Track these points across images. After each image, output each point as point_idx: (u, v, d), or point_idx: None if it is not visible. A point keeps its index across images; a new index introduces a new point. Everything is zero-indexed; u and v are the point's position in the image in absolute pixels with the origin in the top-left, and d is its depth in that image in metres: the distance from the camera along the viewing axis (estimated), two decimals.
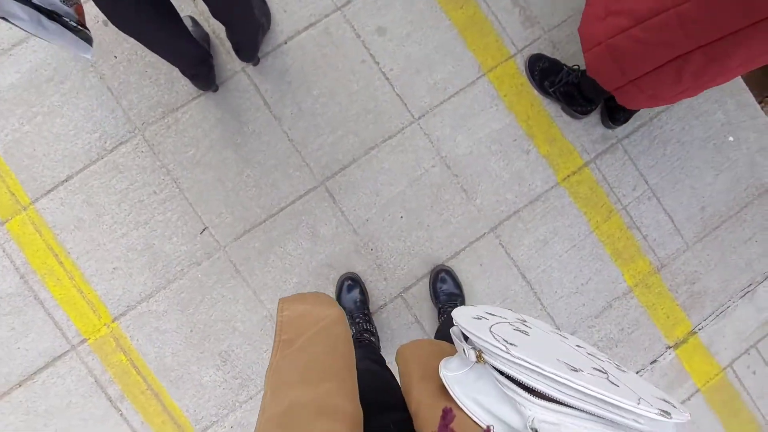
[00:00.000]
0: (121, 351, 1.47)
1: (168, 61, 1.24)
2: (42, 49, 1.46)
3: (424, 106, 1.58)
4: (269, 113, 1.53)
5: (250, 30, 1.26)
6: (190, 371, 1.49)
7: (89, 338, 1.46)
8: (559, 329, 0.67)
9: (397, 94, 1.58)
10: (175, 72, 1.47)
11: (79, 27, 1.02)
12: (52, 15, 0.94)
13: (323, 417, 0.55)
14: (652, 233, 1.65)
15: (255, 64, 1.50)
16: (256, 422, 0.58)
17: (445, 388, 0.55)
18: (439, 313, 1.54)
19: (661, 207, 1.65)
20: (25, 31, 0.90)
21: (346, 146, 1.56)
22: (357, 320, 1.46)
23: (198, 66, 1.33)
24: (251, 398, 1.51)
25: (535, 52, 1.60)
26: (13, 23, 0.87)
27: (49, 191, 1.45)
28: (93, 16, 1.46)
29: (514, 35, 1.62)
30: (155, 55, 1.41)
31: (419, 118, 1.58)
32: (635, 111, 1.56)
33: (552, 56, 1.58)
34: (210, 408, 1.50)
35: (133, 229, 1.48)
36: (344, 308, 1.49)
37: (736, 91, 1.68)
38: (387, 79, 1.57)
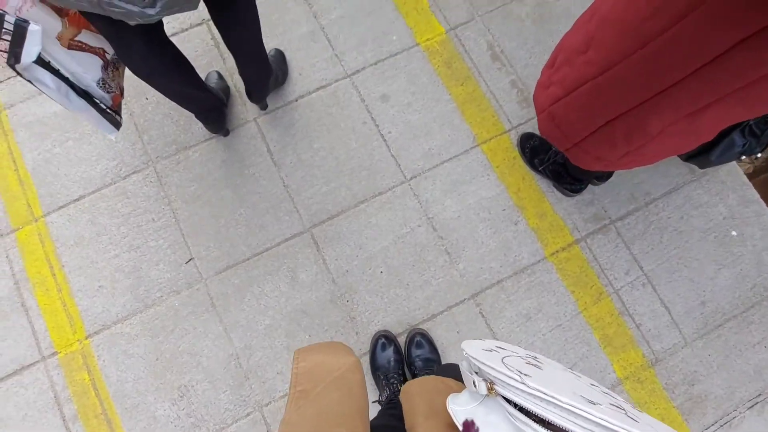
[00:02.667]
0: (86, 369, 1.48)
1: (178, 104, 1.39)
2: None
3: (417, 169, 1.65)
4: (270, 160, 1.64)
5: (261, 71, 1.41)
6: (147, 401, 1.46)
7: (60, 352, 1.49)
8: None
9: (393, 155, 1.66)
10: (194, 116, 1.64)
11: (109, 110, 1.13)
12: (83, 92, 1.04)
13: None
14: (646, 323, 1.55)
15: (263, 108, 1.66)
16: None
17: (453, 425, 0.54)
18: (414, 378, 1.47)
19: (657, 296, 1.57)
20: (49, 96, 0.99)
21: (337, 198, 1.62)
22: (392, 380, 1.40)
23: (208, 112, 1.48)
24: None
25: (529, 130, 1.67)
26: (38, 88, 0.96)
27: (60, 207, 1.58)
28: None
29: (511, 113, 1.70)
30: None
31: (411, 178, 1.64)
32: (582, 185, 1.56)
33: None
34: None
35: (126, 252, 1.56)
36: (378, 367, 1.44)
37: (738, 186, 1.65)
38: (384, 140, 1.67)
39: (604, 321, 1.55)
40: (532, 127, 1.68)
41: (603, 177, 1.56)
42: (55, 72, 0.96)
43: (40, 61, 0.92)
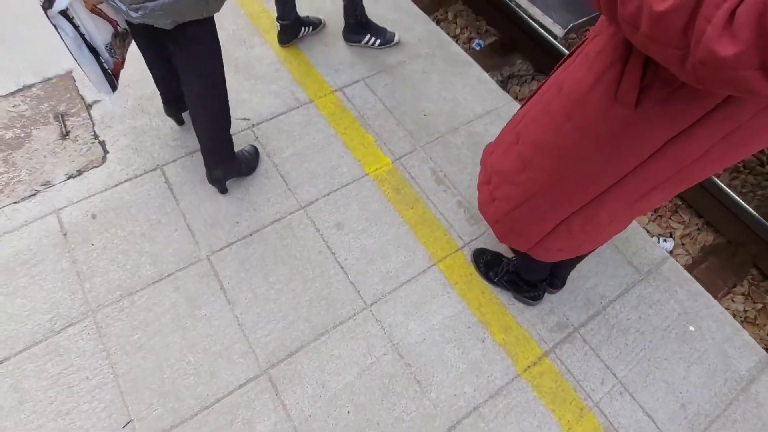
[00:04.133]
0: None
1: (154, 80, 1.66)
2: (29, 236, 1.61)
3: (377, 293, 1.63)
4: (224, 298, 1.57)
5: (216, 161, 1.63)
6: None
7: None
8: None
9: (351, 282, 1.64)
10: (144, 257, 1.59)
11: (110, 73, 1.36)
12: (92, 49, 1.28)
13: None
14: None
15: (221, 191, 1.76)
16: None
17: None
18: None
19: (638, 404, 1.51)
20: (66, 46, 1.21)
21: (296, 332, 1.54)
22: None
23: (169, 94, 1.72)
24: None
25: (480, 245, 1.73)
26: (59, 34, 1.18)
27: None
28: (84, 210, 1.67)
29: (461, 230, 1.78)
30: (129, 243, 1.58)
31: (371, 304, 1.61)
32: (539, 292, 1.60)
33: (494, 249, 1.69)
34: None
35: (51, 420, 1.35)
36: None
37: (682, 281, 1.73)
38: (342, 267, 1.67)
39: None
40: (483, 242, 1.75)
41: (557, 285, 1.60)
42: (76, 27, 1.19)
43: (65, 15, 1.14)
